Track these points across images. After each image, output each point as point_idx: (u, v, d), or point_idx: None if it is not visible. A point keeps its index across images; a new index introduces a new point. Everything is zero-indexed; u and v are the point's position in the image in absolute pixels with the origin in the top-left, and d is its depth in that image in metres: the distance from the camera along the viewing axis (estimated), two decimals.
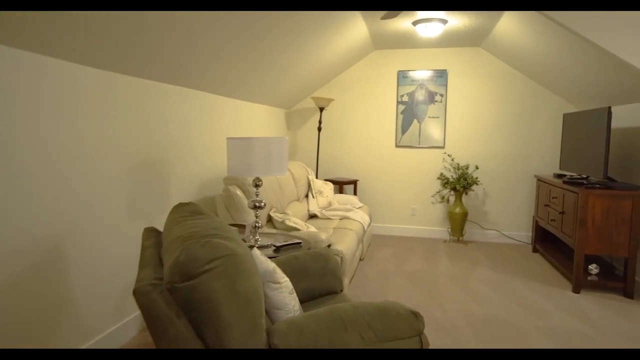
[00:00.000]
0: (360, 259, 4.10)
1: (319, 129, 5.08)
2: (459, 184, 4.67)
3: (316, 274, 2.00)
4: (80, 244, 2.12)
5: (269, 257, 2.21)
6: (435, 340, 2.54)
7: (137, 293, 1.19)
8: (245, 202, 2.97)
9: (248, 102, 4.14)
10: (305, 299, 1.97)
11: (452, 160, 4.98)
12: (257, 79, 3.70)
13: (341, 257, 2.84)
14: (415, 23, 3.88)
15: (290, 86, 4.54)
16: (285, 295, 1.55)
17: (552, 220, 3.94)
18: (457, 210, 4.72)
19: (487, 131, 4.89)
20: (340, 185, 5.00)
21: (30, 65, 1.80)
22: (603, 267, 3.61)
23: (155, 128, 2.66)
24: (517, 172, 4.85)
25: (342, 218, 3.96)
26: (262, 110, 4.53)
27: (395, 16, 3.22)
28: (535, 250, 4.49)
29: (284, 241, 2.54)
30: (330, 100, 4.92)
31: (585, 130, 3.66)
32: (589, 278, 3.38)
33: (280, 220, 3.09)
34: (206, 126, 3.31)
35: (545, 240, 4.50)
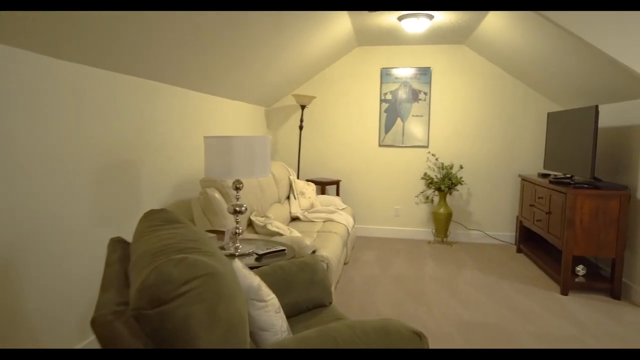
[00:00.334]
0: (345, 263, 3.96)
1: (301, 127, 4.90)
2: (444, 184, 4.58)
3: (303, 286, 1.84)
4: (37, 251, 1.88)
5: (251, 267, 2.03)
6: None
7: (95, 323, 1.00)
8: (224, 205, 2.77)
9: (225, 98, 3.93)
10: (292, 314, 1.81)
11: (437, 159, 4.90)
12: (235, 75, 3.50)
13: (327, 264, 2.68)
14: (400, 18, 3.76)
15: (271, 83, 4.34)
16: (271, 314, 1.38)
17: (537, 220, 3.89)
18: (442, 210, 4.63)
19: (471, 130, 4.82)
20: (322, 186, 4.84)
21: None
22: (589, 268, 3.57)
23: (125, 125, 2.43)
24: (500, 172, 4.80)
25: (326, 220, 3.81)
26: (240, 108, 4.32)
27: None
28: (519, 250, 4.45)
29: (267, 248, 2.36)
30: (312, 97, 4.75)
31: (571, 130, 3.61)
32: (576, 279, 3.33)
33: (261, 224, 2.91)
34: (180, 124, 3.09)
35: (529, 240, 4.46)
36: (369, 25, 4.07)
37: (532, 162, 4.73)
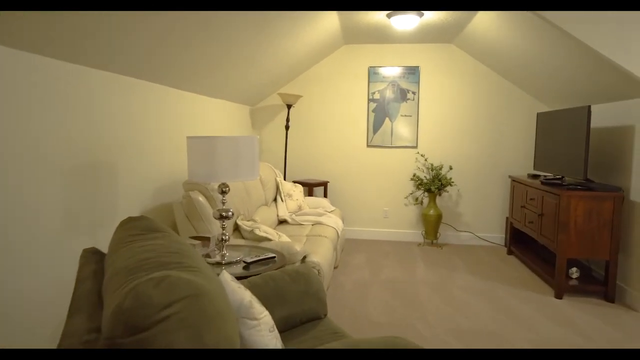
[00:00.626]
0: (334, 267, 3.83)
1: (287, 127, 4.75)
2: (434, 185, 4.50)
3: (297, 298, 1.70)
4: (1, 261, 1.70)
5: (239, 277, 1.88)
6: None
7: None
8: (209, 210, 2.61)
9: (208, 97, 3.76)
10: (285, 328, 1.67)
11: (426, 160, 4.81)
12: (218, 72, 3.33)
13: (318, 270, 2.55)
14: (389, 15, 3.66)
15: (256, 81, 4.19)
16: (264, 334, 1.24)
17: (529, 222, 3.83)
18: (431, 212, 4.55)
19: (460, 130, 4.76)
20: (309, 188, 4.70)
21: None
22: (581, 271, 3.53)
23: (100, 124, 2.25)
24: (490, 173, 4.75)
25: (315, 224, 3.67)
26: (224, 107, 4.15)
27: None
28: (510, 252, 4.39)
29: (256, 256, 2.21)
30: (299, 96, 4.61)
31: (563, 130, 3.57)
32: (569, 282, 3.28)
33: (249, 229, 2.76)
34: (160, 123, 2.92)
35: (519, 242, 4.42)
36: (357, 22, 3.96)
37: (521, 162, 4.69)
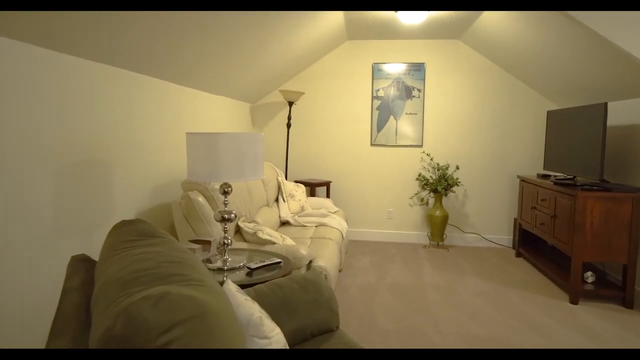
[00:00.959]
0: (339, 270, 3.69)
1: (288, 125, 4.61)
2: (440, 185, 4.36)
3: (307, 308, 1.56)
4: None
5: (243, 285, 1.74)
6: None
7: None
8: (208, 211, 2.46)
9: (208, 93, 3.61)
10: (294, 342, 1.52)
11: (431, 159, 4.68)
12: (219, 68, 3.18)
13: (325, 275, 2.41)
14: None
15: (257, 77, 4.04)
16: None
17: (540, 224, 3.70)
18: (437, 213, 4.42)
19: (466, 129, 4.62)
20: (312, 187, 4.56)
21: None
22: (597, 275, 3.40)
23: (95, 119, 2.10)
24: (497, 172, 4.62)
25: (318, 225, 3.53)
26: (224, 104, 4.00)
27: None
28: (519, 254, 4.26)
29: (260, 261, 2.07)
30: (301, 93, 4.47)
31: (576, 129, 3.43)
32: (585, 287, 3.15)
33: (251, 232, 2.61)
34: (158, 119, 2.77)
35: (528, 244, 4.29)
36: (361, 17, 3.81)
37: (529, 162, 4.56)
